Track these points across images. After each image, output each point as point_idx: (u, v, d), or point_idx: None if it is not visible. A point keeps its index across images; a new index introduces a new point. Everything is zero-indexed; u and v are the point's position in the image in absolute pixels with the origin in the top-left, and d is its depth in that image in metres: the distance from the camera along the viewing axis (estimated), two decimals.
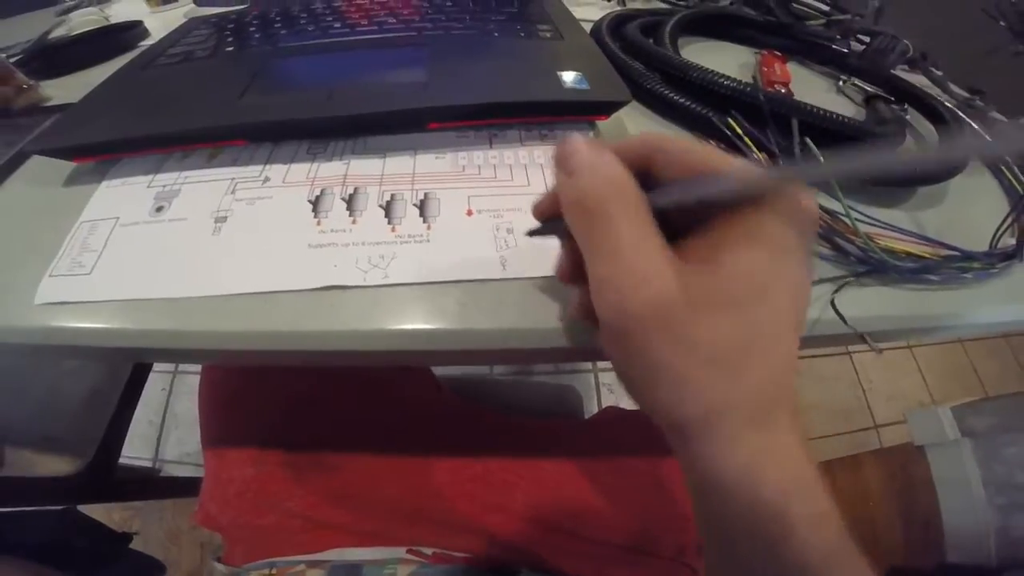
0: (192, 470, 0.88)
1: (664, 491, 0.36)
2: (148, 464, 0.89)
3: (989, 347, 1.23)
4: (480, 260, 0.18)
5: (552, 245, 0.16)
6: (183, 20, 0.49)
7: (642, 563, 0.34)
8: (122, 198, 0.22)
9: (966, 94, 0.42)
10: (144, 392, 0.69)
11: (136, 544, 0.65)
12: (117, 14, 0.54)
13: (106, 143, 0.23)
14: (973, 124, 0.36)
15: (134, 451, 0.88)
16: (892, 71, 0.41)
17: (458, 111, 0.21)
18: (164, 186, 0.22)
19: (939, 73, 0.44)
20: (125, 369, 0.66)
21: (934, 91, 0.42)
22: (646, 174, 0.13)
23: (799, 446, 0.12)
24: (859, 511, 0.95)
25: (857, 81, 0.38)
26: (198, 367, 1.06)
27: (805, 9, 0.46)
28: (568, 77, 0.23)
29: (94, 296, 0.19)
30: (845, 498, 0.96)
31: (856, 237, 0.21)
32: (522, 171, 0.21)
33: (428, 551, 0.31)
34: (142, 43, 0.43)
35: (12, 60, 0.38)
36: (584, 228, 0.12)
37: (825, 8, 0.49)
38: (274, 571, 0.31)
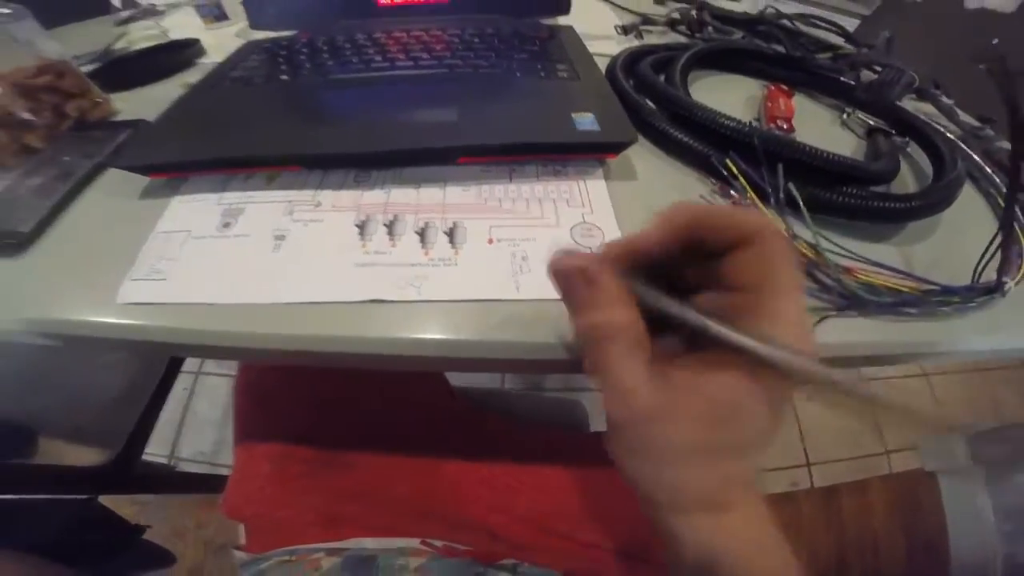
0: (206, 468, 0.92)
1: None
2: (164, 461, 0.92)
3: (1009, 377, 1.20)
4: (498, 283, 0.21)
5: None
6: (236, 38, 0.53)
7: (633, 568, 0.36)
8: (193, 213, 0.26)
9: (975, 123, 0.43)
10: None
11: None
12: (173, 27, 0.58)
13: (180, 163, 0.27)
14: (973, 155, 0.37)
15: (151, 447, 0.90)
16: (898, 102, 0.42)
17: (484, 149, 0.25)
18: (230, 205, 0.26)
19: (949, 102, 0.45)
20: (159, 367, 0.70)
21: (942, 120, 0.43)
22: (697, 243, 0.15)
23: (745, 519, 0.15)
24: (862, 532, 0.96)
25: (860, 114, 0.40)
26: (221, 369, 1.10)
27: (817, 41, 0.48)
28: (580, 119, 0.26)
29: (170, 299, 0.22)
30: (849, 518, 0.96)
31: (837, 275, 0.23)
32: (537, 204, 0.24)
33: (438, 543, 0.34)
34: (199, 60, 0.47)
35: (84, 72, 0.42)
36: (588, 349, 0.15)
37: (838, 40, 0.51)
38: (293, 558, 0.34)
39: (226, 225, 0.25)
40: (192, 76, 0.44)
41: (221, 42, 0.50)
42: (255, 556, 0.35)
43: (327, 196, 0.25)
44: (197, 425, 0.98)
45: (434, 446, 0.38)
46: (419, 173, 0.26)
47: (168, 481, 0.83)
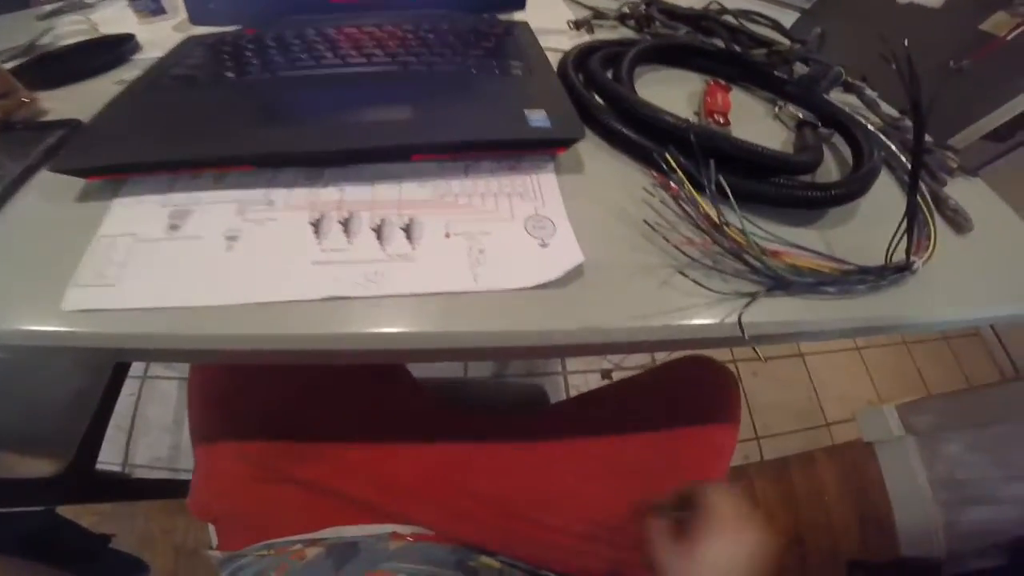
0: (164, 474, 0.90)
1: (621, 478, 0.40)
2: (118, 469, 0.90)
3: (933, 351, 1.33)
4: (456, 275, 0.22)
5: (517, 265, 0.20)
6: (174, 33, 0.50)
7: (604, 555, 0.37)
8: (137, 216, 0.25)
9: (896, 114, 0.47)
10: None
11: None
12: (103, 21, 0.54)
13: (122, 165, 0.26)
14: (891, 145, 0.41)
15: (103, 456, 0.87)
16: (825, 96, 0.45)
17: (438, 147, 0.25)
18: (176, 206, 0.25)
19: (872, 95, 0.49)
20: (106, 372, 0.66)
21: (866, 112, 0.47)
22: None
23: None
24: (815, 507, 1.02)
25: (791, 107, 0.42)
26: (168, 373, 1.07)
27: (755, 37, 0.51)
28: (533, 116, 0.27)
29: (120, 304, 0.21)
30: (801, 496, 1.03)
31: (759, 256, 0.26)
32: (492, 199, 0.25)
33: (407, 531, 0.34)
34: (134, 56, 0.44)
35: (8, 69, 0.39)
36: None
37: (775, 35, 0.55)
38: (272, 551, 0.34)
39: (174, 227, 0.24)
40: (127, 73, 0.41)
41: (158, 38, 0.48)
42: (231, 554, 0.35)
43: (279, 195, 0.25)
44: (149, 431, 0.95)
45: (396, 435, 0.38)
46: (374, 170, 0.26)
47: (127, 488, 0.81)
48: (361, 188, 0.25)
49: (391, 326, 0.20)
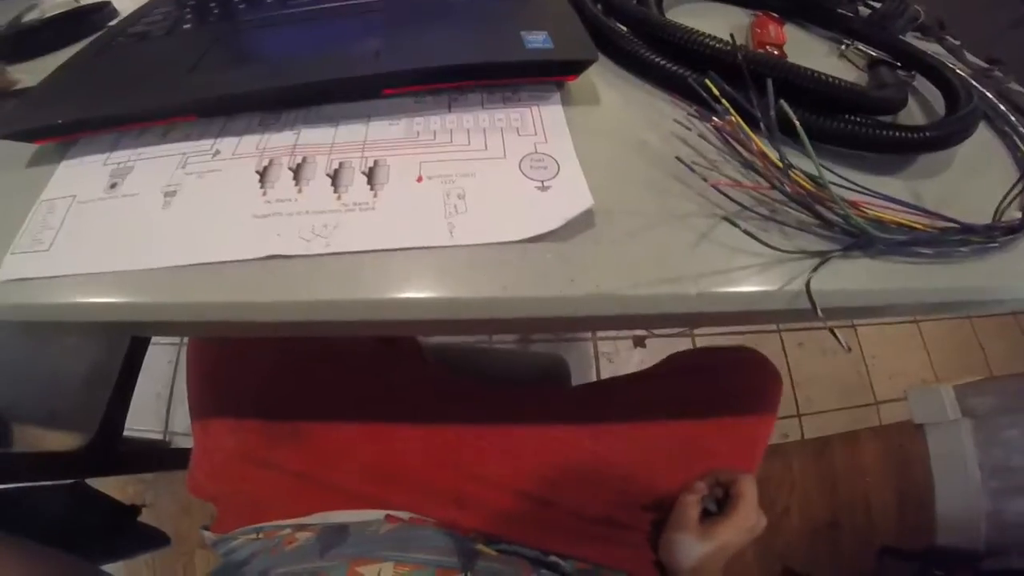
0: None
1: (646, 457, 0.36)
2: (159, 436, 0.90)
3: (998, 325, 1.18)
4: (427, 227, 0.17)
5: (505, 213, 0.15)
6: None
7: (616, 538, 0.34)
8: (80, 176, 0.22)
9: (984, 64, 0.39)
10: (150, 365, 0.69)
11: (148, 517, 0.66)
12: None
13: (60, 125, 0.23)
14: (987, 93, 0.34)
15: (145, 424, 0.88)
16: (900, 37, 0.38)
17: (410, 76, 0.21)
18: (119, 163, 0.22)
19: (956, 42, 0.42)
20: (123, 343, 0.66)
21: (948, 60, 0.39)
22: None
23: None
24: (854, 490, 0.95)
25: (861, 46, 0.36)
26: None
27: None
28: (531, 36, 0.21)
29: (52, 271, 0.19)
30: (840, 474, 0.96)
31: (835, 206, 0.20)
32: (480, 135, 0.20)
33: (404, 515, 0.32)
34: (111, 23, 0.42)
35: None
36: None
37: None
38: (260, 535, 0.32)
39: (113, 186, 0.21)
40: None
41: (138, 3, 0.46)
42: (221, 536, 0.35)
43: (227, 143, 0.21)
44: (185, 399, 0.96)
45: (398, 411, 0.36)
46: (338, 111, 0.21)
47: (160, 457, 0.81)
48: (320, 130, 0.21)
49: (339, 293, 0.16)
